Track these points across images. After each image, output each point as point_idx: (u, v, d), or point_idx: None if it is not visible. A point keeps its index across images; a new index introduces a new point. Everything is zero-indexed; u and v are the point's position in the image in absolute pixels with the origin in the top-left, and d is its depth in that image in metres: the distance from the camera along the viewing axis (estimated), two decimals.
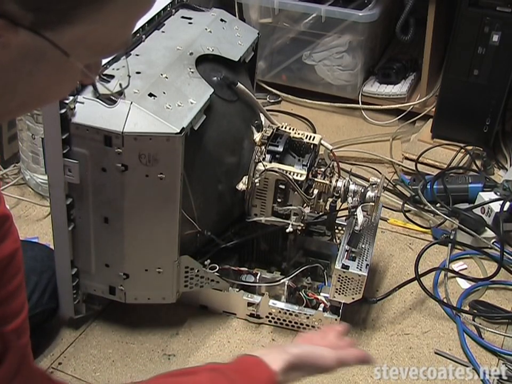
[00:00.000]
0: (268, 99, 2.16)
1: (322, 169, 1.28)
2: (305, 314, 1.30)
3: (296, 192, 1.23)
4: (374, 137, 1.98)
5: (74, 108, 1.05)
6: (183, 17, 1.35)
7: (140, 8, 0.52)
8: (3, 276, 0.78)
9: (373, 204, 1.24)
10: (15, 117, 0.72)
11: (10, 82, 0.52)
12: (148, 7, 0.53)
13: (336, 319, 1.29)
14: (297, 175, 1.22)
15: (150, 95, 1.08)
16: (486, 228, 1.55)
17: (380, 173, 1.72)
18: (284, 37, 2.09)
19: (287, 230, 1.26)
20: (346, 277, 1.22)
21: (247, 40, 1.36)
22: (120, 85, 0.62)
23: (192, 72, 1.18)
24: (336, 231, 1.45)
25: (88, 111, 1.06)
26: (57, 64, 0.51)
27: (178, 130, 1.05)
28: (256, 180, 1.22)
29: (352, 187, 1.27)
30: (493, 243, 1.53)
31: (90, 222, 1.15)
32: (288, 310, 1.31)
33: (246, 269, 1.33)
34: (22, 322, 0.83)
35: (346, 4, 2.04)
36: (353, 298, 1.25)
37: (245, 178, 1.25)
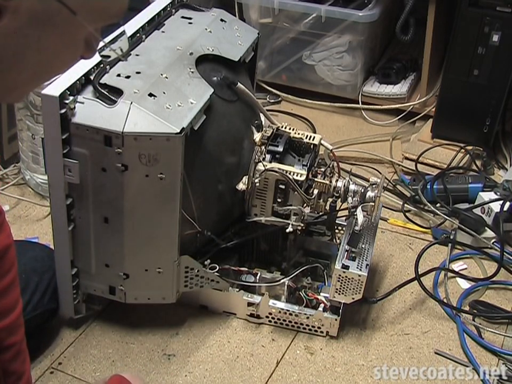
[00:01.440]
0: (268, 99, 2.16)
1: (322, 169, 1.28)
2: (305, 314, 1.30)
3: (296, 192, 1.23)
4: (374, 137, 1.98)
5: (74, 107, 1.05)
6: (183, 17, 1.35)
7: None
8: None
9: (373, 204, 1.24)
10: (26, 92, 0.77)
11: (20, 51, 0.53)
12: None
13: (336, 319, 1.29)
14: (297, 175, 1.22)
15: (150, 95, 1.08)
16: (486, 227, 1.55)
17: (380, 173, 1.71)
18: (284, 37, 2.09)
19: (287, 230, 1.26)
20: (346, 277, 1.22)
21: (247, 40, 1.36)
22: (121, 49, 0.64)
23: (192, 72, 1.18)
24: (336, 231, 1.45)
25: (88, 111, 1.06)
26: (64, 27, 0.54)
27: (178, 130, 1.05)
28: (256, 180, 1.22)
29: (352, 187, 1.27)
30: (493, 243, 1.53)
31: (90, 222, 1.15)
32: (288, 310, 1.31)
33: (246, 269, 1.33)
34: (15, 319, 0.83)
35: (346, 4, 2.04)
36: (353, 298, 1.25)
37: (245, 178, 1.25)
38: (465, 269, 1.51)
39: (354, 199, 1.26)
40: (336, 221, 1.43)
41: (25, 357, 0.85)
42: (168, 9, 1.35)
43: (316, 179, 1.25)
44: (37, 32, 0.52)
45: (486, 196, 1.61)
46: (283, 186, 1.24)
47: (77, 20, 0.53)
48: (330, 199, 1.29)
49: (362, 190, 1.26)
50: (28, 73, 0.57)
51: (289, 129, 1.30)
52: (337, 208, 1.32)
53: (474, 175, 1.76)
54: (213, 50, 1.26)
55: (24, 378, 0.84)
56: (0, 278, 0.78)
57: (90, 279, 1.22)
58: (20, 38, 0.52)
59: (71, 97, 1.05)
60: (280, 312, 1.31)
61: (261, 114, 1.38)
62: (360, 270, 1.22)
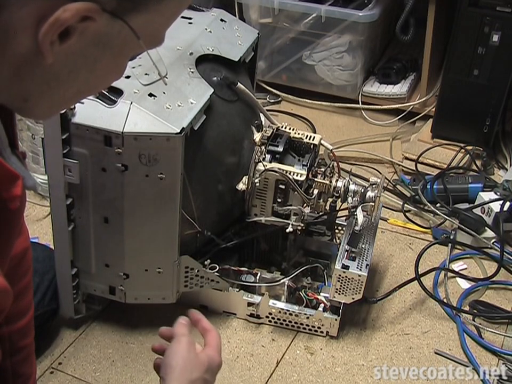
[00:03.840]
0: (267, 99, 2.16)
1: (322, 169, 1.28)
2: (305, 314, 1.30)
3: (296, 192, 1.23)
4: (374, 137, 1.98)
5: (74, 107, 1.05)
6: (183, 17, 1.35)
7: (186, 2, 0.57)
8: (15, 273, 0.78)
9: (373, 204, 1.24)
10: (62, 109, 0.79)
11: (76, 70, 0.55)
12: (190, 1, 0.59)
13: (336, 319, 1.29)
14: (297, 175, 1.22)
15: (150, 95, 1.08)
16: (486, 227, 1.55)
17: (380, 173, 1.72)
18: (284, 37, 2.09)
19: (287, 230, 1.26)
20: (346, 277, 1.22)
21: (247, 40, 1.36)
22: (159, 74, 0.65)
23: (192, 72, 1.18)
24: (336, 231, 1.45)
25: (88, 111, 1.06)
26: (120, 49, 0.55)
27: (178, 130, 1.05)
28: (256, 180, 1.22)
29: (352, 187, 1.26)
30: (493, 243, 1.53)
31: (90, 222, 1.15)
32: (288, 310, 1.31)
33: (246, 269, 1.33)
34: (28, 322, 0.83)
35: (346, 4, 2.04)
36: (353, 298, 1.25)
37: (245, 178, 1.25)
38: (465, 269, 1.51)
39: (354, 199, 1.26)
40: (336, 221, 1.43)
41: (33, 360, 0.85)
42: None
43: (316, 179, 1.25)
44: (95, 53, 0.54)
45: (486, 195, 1.61)
46: (283, 186, 1.23)
47: (133, 43, 0.55)
48: (330, 199, 1.29)
49: (362, 190, 1.26)
50: (74, 91, 0.58)
51: (289, 129, 1.30)
52: (337, 208, 1.32)
53: (474, 175, 1.76)
54: (213, 50, 1.26)
55: (31, 380, 0.84)
56: (18, 281, 0.79)
57: (90, 279, 1.22)
58: (79, 57, 0.54)
59: None
60: (280, 312, 1.31)
61: (261, 114, 1.38)
62: (360, 270, 1.22)
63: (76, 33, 0.51)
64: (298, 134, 1.29)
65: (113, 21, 0.52)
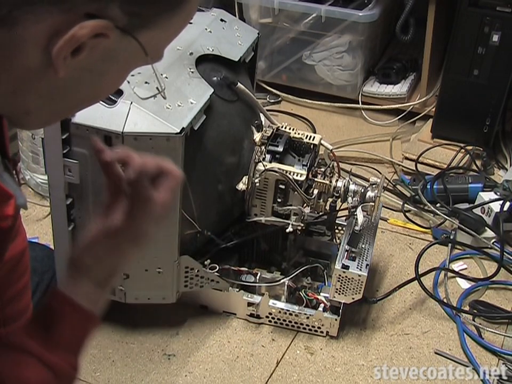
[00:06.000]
0: (267, 99, 2.16)
1: (322, 169, 1.28)
2: (305, 314, 1.30)
3: (296, 192, 1.23)
4: (374, 137, 1.98)
5: None
6: None
7: (190, 18, 0.59)
8: (13, 274, 0.78)
9: (373, 204, 1.24)
10: (63, 118, 0.79)
11: (82, 83, 0.55)
12: (191, 19, 0.60)
13: (336, 319, 1.29)
14: (297, 175, 1.22)
15: None
16: (486, 227, 1.55)
17: (380, 173, 1.72)
18: (284, 37, 2.09)
19: (287, 230, 1.26)
20: (346, 277, 1.22)
21: (247, 40, 1.36)
22: (157, 88, 0.65)
23: (192, 72, 1.18)
24: (336, 231, 1.45)
25: (88, 111, 1.03)
26: (125, 63, 0.56)
27: (178, 130, 1.05)
28: (256, 180, 1.22)
29: (352, 187, 1.26)
30: (493, 243, 1.53)
31: (90, 222, 1.15)
32: (288, 310, 1.31)
33: (246, 269, 1.33)
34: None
35: (346, 4, 2.04)
36: (353, 298, 1.25)
37: (245, 178, 1.25)
38: (465, 269, 1.51)
39: (354, 199, 1.26)
40: (336, 221, 1.43)
41: None
42: None
43: (316, 179, 1.25)
44: (102, 67, 0.55)
45: (486, 195, 1.61)
46: (283, 186, 1.23)
47: (139, 57, 0.55)
48: (330, 199, 1.29)
49: (362, 190, 1.26)
50: (74, 103, 0.59)
51: (289, 129, 1.29)
52: (337, 208, 1.32)
53: (474, 175, 1.76)
54: (213, 50, 1.26)
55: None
56: (17, 281, 0.79)
57: None
58: (86, 71, 0.54)
59: None
60: (280, 312, 1.31)
61: (261, 114, 1.38)
62: (360, 270, 1.22)
63: (87, 49, 0.52)
64: (298, 134, 1.29)
65: (123, 37, 0.52)
